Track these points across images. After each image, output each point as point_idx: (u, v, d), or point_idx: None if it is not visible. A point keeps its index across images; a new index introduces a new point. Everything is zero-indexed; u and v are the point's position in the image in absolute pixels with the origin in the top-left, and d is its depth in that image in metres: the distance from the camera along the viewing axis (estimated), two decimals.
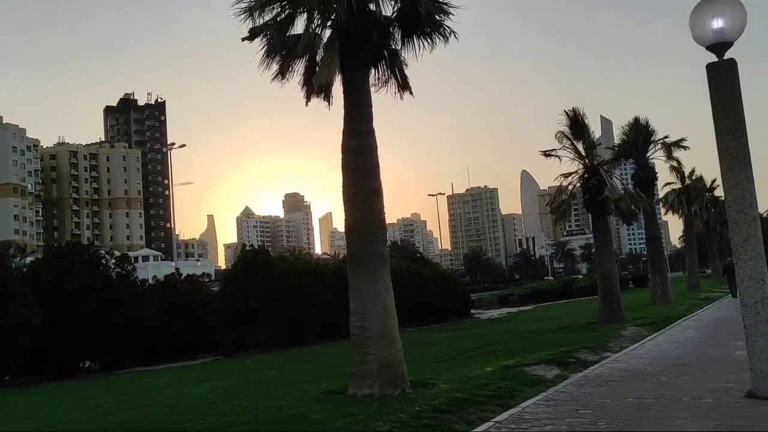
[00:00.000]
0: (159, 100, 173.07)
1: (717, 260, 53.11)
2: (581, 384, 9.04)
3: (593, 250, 30.31)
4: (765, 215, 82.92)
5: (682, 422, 6.31)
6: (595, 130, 23.13)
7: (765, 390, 6.99)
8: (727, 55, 7.79)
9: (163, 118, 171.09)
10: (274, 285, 24.72)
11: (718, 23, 7.59)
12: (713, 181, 48.60)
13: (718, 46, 7.70)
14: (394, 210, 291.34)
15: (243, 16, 9.97)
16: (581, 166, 21.76)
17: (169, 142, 76.95)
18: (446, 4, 9.98)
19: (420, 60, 10.39)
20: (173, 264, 62.32)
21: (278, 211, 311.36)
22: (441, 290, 34.89)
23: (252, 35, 10.32)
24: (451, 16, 10.05)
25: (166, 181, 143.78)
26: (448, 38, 10.22)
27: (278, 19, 10.16)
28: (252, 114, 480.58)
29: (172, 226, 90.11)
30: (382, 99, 10.68)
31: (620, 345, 13.67)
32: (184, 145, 64.52)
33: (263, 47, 10.34)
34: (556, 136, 21.67)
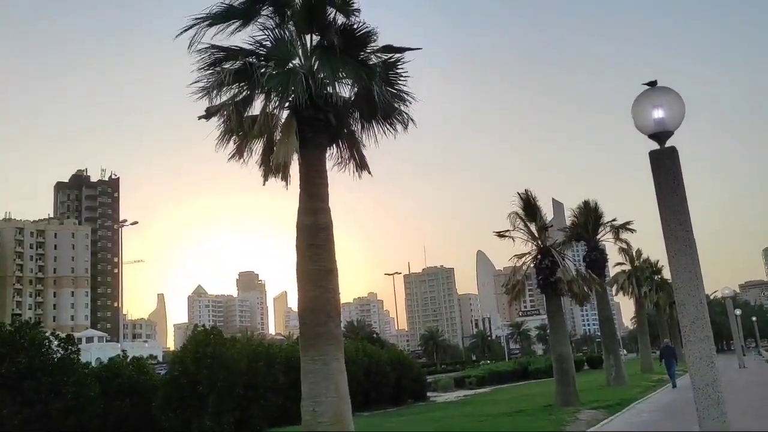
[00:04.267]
0: (113, 177, 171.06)
1: (669, 340, 53.86)
2: None
3: (548, 330, 30.42)
4: (711, 297, 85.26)
5: None
6: (547, 212, 23.70)
7: None
8: (670, 143, 8.16)
9: (116, 194, 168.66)
10: (224, 368, 23.85)
11: (658, 113, 7.96)
12: (657, 262, 50.07)
13: (660, 134, 8.06)
14: (351, 289, 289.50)
15: (200, 94, 10.09)
16: (534, 247, 22.15)
17: (120, 219, 75.60)
18: (404, 92, 10.32)
19: (380, 143, 10.62)
20: (119, 345, 59.83)
21: (232, 290, 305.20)
22: (397, 373, 34.21)
23: (209, 114, 10.42)
24: (408, 104, 10.38)
25: (116, 259, 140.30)
26: (406, 125, 10.51)
27: (236, 99, 10.31)
28: (208, 191, 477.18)
29: (120, 305, 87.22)
30: (340, 178, 10.79)
31: (577, 429, 13.49)
32: (135, 222, 63.32)
33: (221, 126, 10.42)
34: (509, 217, 22.14)
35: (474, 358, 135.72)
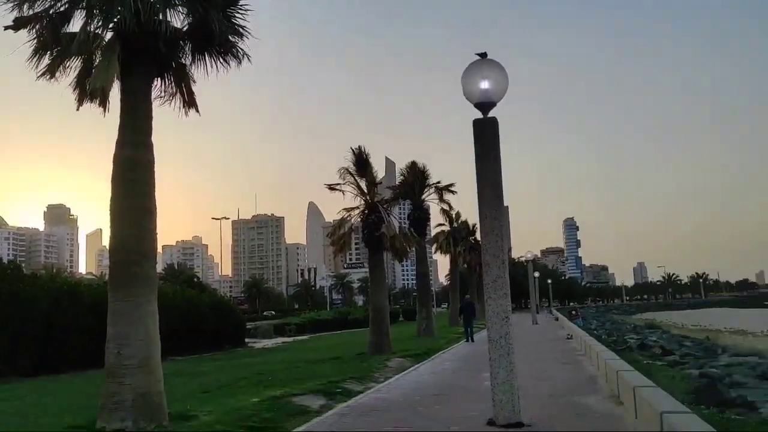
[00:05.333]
0: None
1: (476, 298, 58.57)
2: (344, 414, 9.23)
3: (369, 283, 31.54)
4: (516, 260, 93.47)
5: None
6: (380, 170, 24.33)
7: (503, 418, 7.75)
8: (492, 114, 8.70)
9: None
10: (22, 306, 21.85)
11: (485, 84, 8.43)
12: (474, 225, 53.91)
13: (484, 104, 8.54)
14: (174, 231, 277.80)
15: (10, 5, 8.90)
16: (363, 202, 22.73)
17: None
18: (241, 26, 9.86)
19: (211, 79, 10.09)
20: None
21: (38, 224, 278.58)
22: (216, 318, 33.68)
23: (18, 25, 9.21)
24: (245, 39, 9.94)
25: None
26: (241, 60, 10.08)
27: (51, 12, 9.21)
28: (16, 112, 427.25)
29: None
30: (169, 113, 10.10)
31: (385, 375, 14.30)
32: None
33: (33, 40, 9.29)
34: (339, 171, 22.42)
35: (296, 306, 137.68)
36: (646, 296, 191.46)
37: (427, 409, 9.43)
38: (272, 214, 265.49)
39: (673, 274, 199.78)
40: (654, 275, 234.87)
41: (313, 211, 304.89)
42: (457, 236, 48.97)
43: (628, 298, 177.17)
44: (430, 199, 35.14)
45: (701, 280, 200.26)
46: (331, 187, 22.48)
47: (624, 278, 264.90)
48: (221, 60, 10.00)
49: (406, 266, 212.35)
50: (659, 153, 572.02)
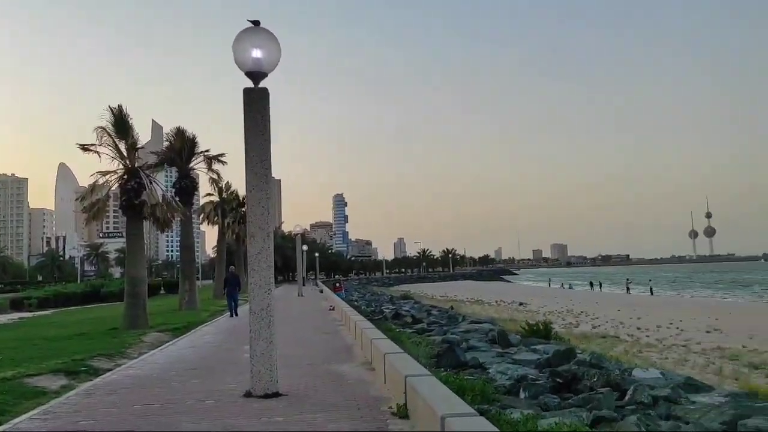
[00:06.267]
0: None
1: (243, 272, 58.02)
2: (89, 394, 8.52)
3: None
4: (287, 233, 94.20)
5: (184, 425, 6.50)
6: (145, 133, 22.71)
7: (260, 389, 7.79)
8: (263, 85, 8.56)
9: None
10: None
11: (257, 53, 8.25)
12: (243, 197, 53.18)
13: (256, 74, 8.36)
14: None
15: None
16: (122, 166, 21.04)
17: None
18: None
19: None
20: None
21: None
22: None
23: None
24: None
25: None
26: None
27: None
28: None
29: None
30: None
31: (139, 351, 13.51)
32: None
33: None
34: (95, 130, 20.46)
35: (40, 278, 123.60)
36: (404, 270, 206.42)
37: (182, 384, 9.11)
38: (13, 174, 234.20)
39: (428, 250, 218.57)
40: (411, 250, 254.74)
41: (64, 173, 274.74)
42: (226, 207, 47.90)
43: (388, 271, 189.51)
44: (200, 167, 33.81)
45: (450, 256, 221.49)
46: (85, 148, 20.41)
47: (386, 253, 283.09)
48: None
49: (172, 237, 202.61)
50: (418, 137, 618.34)
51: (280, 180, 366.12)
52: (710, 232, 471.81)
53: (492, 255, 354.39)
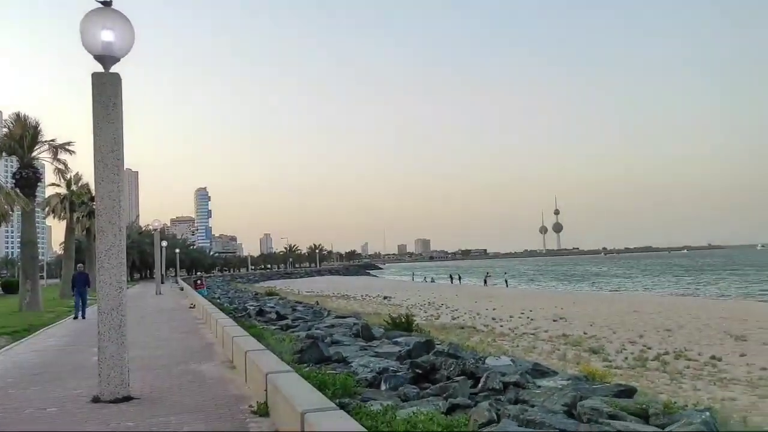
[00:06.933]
0: None
1: (94, 268, 54.41)
2: None
3: None
4: (144, 228, 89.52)
5: None
6: None
7: (109, 393, 7.33)
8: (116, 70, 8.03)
9: None
10: None
11: (107, 36, 7.73)
12: None
13: (106, 58, 7.84)
14: None
15: None
16: None
17: None
18: None
19: None
20: None
21: None
22: None
23: None
24: None
25: None
26: None
27: None
28: None
29: None
30: None
31: None
32: None
33: None
34: None
35: None
36: (270, 266, 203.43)
37: (22, 391, 8.37)
38: None
39: (294, 246, 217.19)
40: (278, 246, 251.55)
41: None
42: (76, 201, 44.63)
43: (253, 267, 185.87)
44: (45, 157, 31.17)
45: (317, 251, 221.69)
46: None
47: (251, 249, 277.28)
48: None
49: (11, 232, 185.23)
50: (281, 130, 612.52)
51: (137, 172, 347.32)
52: (558, 228, 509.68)
53: (359, 250, 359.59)
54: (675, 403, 8.40)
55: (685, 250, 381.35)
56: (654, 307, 37.31)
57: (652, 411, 7.43)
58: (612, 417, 7.05)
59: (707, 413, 7.26)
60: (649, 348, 20.48)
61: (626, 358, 18.51)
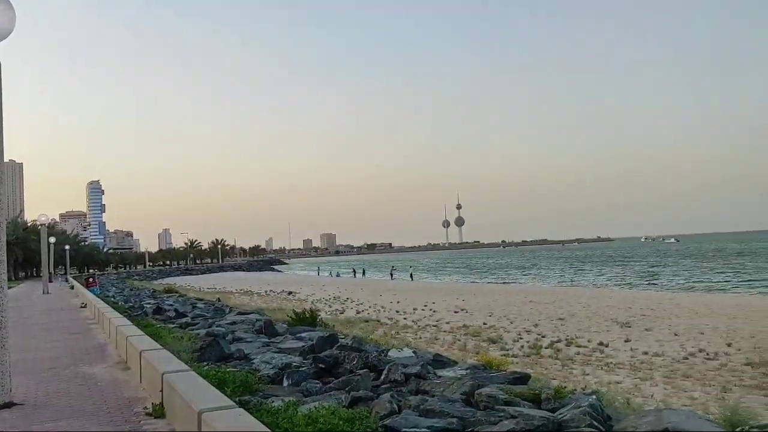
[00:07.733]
0: None
1: None
2: None
3: None
4: (30, 224, 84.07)
5: None
6: None
7: None
8: None
9: None
10: None
11: None
12: None
13: None
14: None
15: None
16: None
17: None
18: None
19: None
20: None
21: None
22: None
23: None
24: None
25: None
26: None
27: None
28: None
29: None
30: None
31: None
32: None
33: None
34: None
35: None
36: (170, 262, 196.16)
37: None
38: None
39: (196, 241, 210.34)
40: (178, 242, 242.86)
41: None
42: None
43: (151, 264, 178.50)
44: None
45: (220, 246, 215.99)
46: None
47: (149, 244, 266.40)
48: None
49: None
50: (184, 121, 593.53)
51: (21, 164, 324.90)
52: (460, 221, 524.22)
53: (263, 245, 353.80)
54: (565, 387, 8.85)
55: (577, 243, 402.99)
56: (549, 297, 39.24)
57: (545, 396, 7.80)
58: (507, 403, 7.34)
59: (594, 396, 7.71)
60: (543, 336, 21.52)
61: (522, 346, 19.36)
